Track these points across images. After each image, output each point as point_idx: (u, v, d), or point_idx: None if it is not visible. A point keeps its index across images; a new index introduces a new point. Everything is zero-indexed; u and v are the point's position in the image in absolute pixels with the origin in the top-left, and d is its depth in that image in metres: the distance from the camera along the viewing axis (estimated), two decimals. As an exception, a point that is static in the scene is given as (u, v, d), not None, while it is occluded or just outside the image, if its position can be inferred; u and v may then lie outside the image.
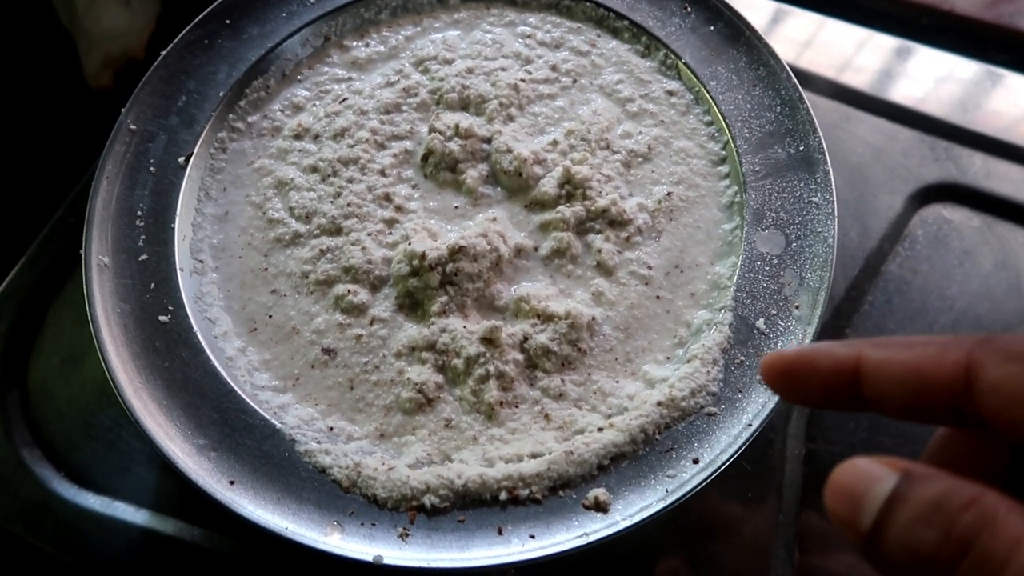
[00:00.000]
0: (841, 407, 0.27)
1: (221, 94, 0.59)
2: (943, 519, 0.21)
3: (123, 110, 0.57)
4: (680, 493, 0.43)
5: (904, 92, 0.69)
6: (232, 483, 0.44)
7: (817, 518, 0.51)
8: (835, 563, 0.50)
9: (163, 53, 0.60)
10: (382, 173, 0.57)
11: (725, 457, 0.44)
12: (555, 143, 0.58)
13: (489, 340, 0.49)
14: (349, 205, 0.55)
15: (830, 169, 0.53)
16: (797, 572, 0.49)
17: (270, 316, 0.52)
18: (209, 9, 0.62)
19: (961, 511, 0.20)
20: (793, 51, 0.71)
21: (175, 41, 0.60)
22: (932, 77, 0.70)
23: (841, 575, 0.50)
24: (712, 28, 0.61)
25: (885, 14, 0.77)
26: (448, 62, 0.62)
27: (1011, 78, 0.69)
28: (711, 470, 0.44)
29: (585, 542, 0.42)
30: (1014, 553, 0.20)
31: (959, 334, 0.25)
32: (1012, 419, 0.22)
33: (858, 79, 0.69)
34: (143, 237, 0.53)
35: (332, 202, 0.55)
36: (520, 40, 0.64)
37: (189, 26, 0.61)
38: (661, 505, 0.43)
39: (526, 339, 0.49)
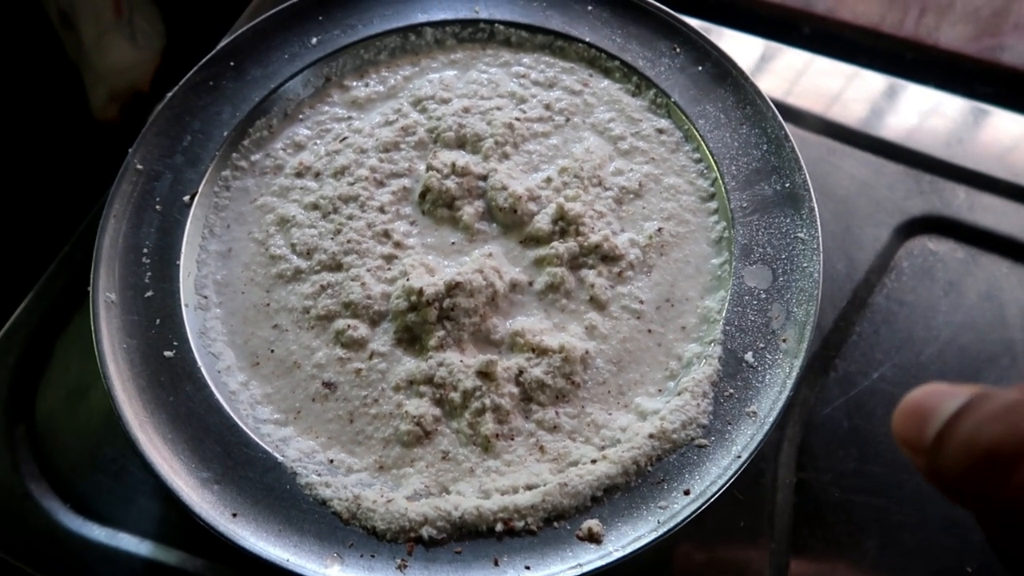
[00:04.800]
0: None
1: (225, 134, 0.61)
2: (1015, 417, 0.21)
3: (130, 150, 0.59)
4: (672, 524, 0.44)
5: (890, 127, 0.70)
6: (235, 515, 0.45)
7: (809, 546, 0.52)
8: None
9: (169, 95, 0.62)
10: (381, 210, 0.58)
11: (715, 488, 0.45)
12: (549, 180, 0.59)
13: (485, 374, 0.50)
14: (349, 241, 0.56)
15: (815, 206, 0.54)
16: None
17: (272, 351, 0.53)
18: (214, 52, 0.64)
19: None
20: (781, 87, 0.73)
21: (181, 83, 0.62)
22: (917, 112, 0.71)
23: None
24: (700, 68, 0.63)
25: (871, 50, 0.79)
26: (445, 101, 0.64)
27: (994, 114, 0.71)
28: (702, 501, 0.45)
29: (579, 573, 0.43)
30: None
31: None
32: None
33: (845, 114, 0.71)
34: (149, 274, 0.55)
35: (332, 239, 0.57)
36: (515, 80, 0.66)
37: (194, 68, 0.63)
38: (653, 536, 0.44)
39: (521, 372, 0.51)
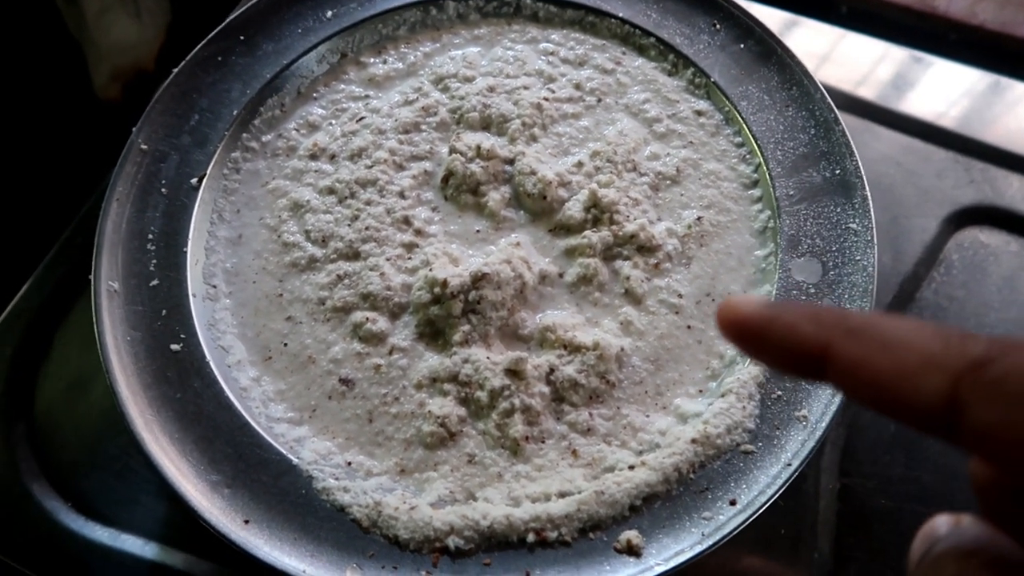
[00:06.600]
0: (808, 379, 0.24)
1: (235, 113, 0.57)
2: None
3: (134, 129, 0.56)
4: (717, 537, 0.41)
5: (938, 111, 0.67)
6: (247, 522, 0.43)
7: (854, 556, 0.49)
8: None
9: (175, 70, 0.58)
10: (401, 195, 0.55)
11: (764, 499, 0.42)
12: (580, 165, 0.56)
13: (514, 372, 0.47)
14: (367, 228, 0.53)
15: (868, 194, 0.51)
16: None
17: (285, 344, 0.50)
18: (223, 25, 0.60)
19: None
20: (811, 64, 0.69)
21: (187, 58, 0.59)
22: (967, 96, 0.68)
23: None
24: (742, 46, 0.59)
25: (913, 29, 0.75)
26: (468, 80, 0.60)
27: (1048, 98, 0.67)
28: (749, 512, 0.42)
29: (618, 589, 0.40)
30: None
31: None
32: (1010, 471, 0.19)
33: (889, 98, 0.68)
34: (154, 261, 0.51)
35: (349, 225, 0.54)
36: (543, 57, 0.62)
37: (202, 43, 0.59)
38: (698, 549, 0.41)
39: (552, 371, 0.47)
